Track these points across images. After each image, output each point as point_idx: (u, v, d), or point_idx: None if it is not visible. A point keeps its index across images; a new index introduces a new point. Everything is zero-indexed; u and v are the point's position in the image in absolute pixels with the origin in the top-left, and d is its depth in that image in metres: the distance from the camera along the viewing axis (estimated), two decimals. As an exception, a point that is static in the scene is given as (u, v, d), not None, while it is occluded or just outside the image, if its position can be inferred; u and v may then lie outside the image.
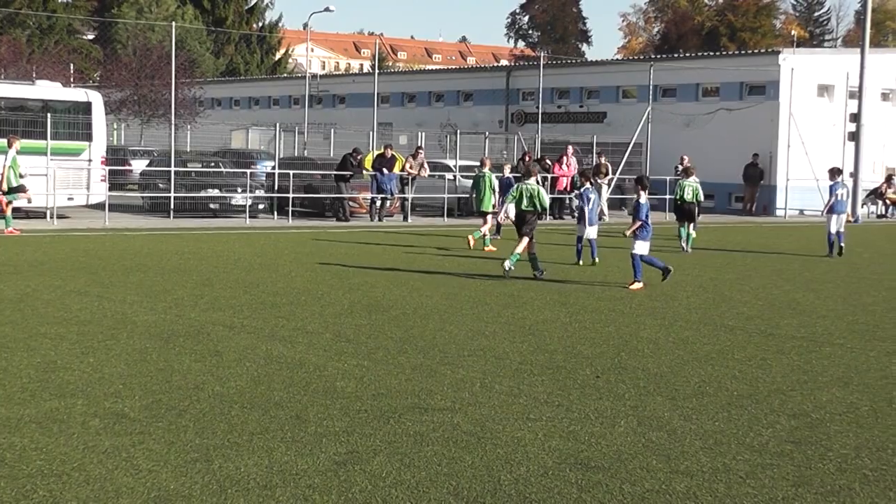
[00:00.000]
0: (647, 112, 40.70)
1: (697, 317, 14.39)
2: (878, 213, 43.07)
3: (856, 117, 40.85)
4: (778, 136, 41.57)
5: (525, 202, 18.29)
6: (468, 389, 9.38)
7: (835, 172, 24.31)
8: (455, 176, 36.26)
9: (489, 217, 24.70)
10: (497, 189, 25.74)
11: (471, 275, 18.66)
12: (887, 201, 42.83)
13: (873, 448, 7.79)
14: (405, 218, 33.74)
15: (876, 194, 42.71)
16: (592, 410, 8.71)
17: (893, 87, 45.52)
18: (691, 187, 24.04)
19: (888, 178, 42.92)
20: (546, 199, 18.67)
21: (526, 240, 18.30)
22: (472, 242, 21.44)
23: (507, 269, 17.99)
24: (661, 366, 10.76)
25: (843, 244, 23.87)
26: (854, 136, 41.15)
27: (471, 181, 34.64)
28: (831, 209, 23.73)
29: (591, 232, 20.90)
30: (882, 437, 8.13)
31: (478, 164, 38.11)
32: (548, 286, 17.34)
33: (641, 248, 17.16)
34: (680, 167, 36.46)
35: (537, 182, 18.43)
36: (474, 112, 51.33)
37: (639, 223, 17.19)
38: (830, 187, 24.14)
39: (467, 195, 35.77)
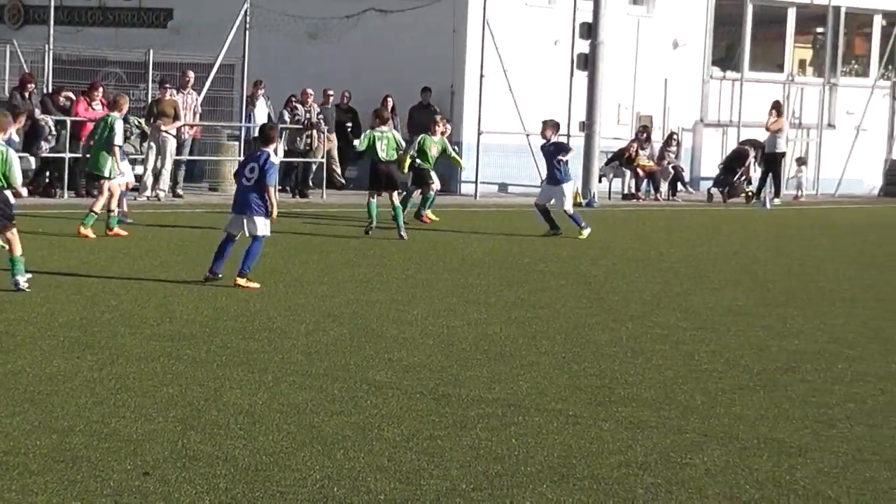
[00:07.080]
0: (242, 11, 32.51)
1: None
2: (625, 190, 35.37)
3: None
4: (465, 57, 34.34)
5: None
6: None
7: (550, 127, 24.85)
8: None
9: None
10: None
11: None
12: (639, 170, 35.31)
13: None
14: None
15: (622, 160, 35.33)
16: None
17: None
18: (386, 139, 24.05)
19: (645, 134, 35.44)
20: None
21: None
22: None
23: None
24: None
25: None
26: (588, 63, 33.69)
27: None
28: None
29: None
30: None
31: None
32: None
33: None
34: (301, 109, 32.73)
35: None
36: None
37: None
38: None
39: None
